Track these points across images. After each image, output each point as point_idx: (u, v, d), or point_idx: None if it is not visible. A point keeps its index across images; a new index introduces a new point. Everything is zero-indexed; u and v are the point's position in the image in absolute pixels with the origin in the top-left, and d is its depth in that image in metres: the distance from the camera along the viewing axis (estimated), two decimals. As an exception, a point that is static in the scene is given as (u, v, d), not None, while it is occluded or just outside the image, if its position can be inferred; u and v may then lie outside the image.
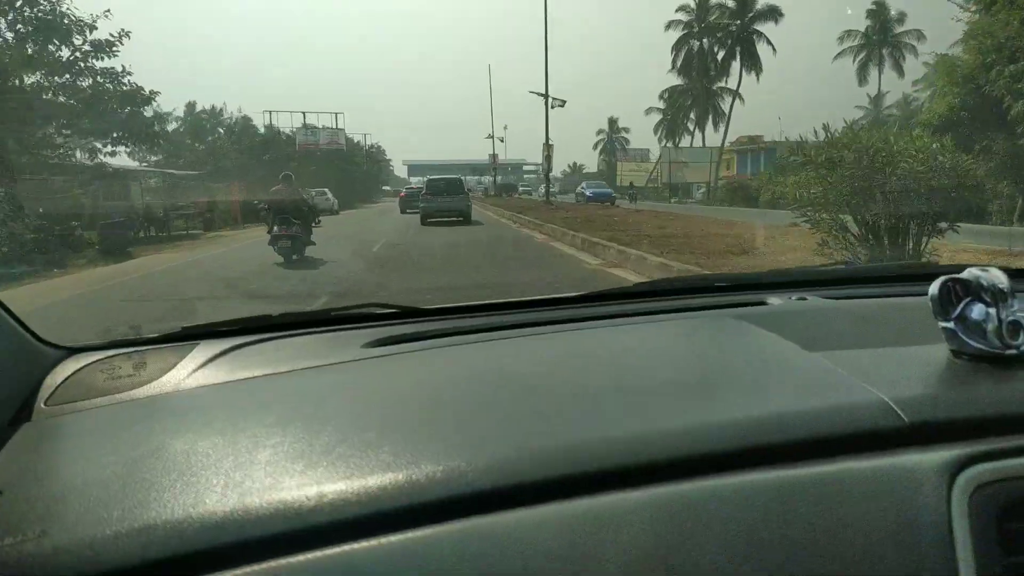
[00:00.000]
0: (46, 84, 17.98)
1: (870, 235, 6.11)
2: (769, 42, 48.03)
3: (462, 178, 25.36)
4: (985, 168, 12.63)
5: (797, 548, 0.60)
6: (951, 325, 0.82)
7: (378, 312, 1.44)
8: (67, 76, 18.09)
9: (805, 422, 0.72)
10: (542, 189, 41.46)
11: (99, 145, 19.79)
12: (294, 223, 11.42)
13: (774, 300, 1.38)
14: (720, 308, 1.38)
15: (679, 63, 52.54)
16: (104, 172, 20.49)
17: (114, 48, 17.99)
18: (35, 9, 16.77)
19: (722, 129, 51.49)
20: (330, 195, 31.93)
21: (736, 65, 49.13)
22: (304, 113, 49.38)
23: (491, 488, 0.64)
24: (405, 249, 14.06)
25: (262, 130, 45.14)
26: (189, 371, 1.12)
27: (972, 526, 0.62)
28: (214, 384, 1.07)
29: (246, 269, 11.16)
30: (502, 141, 72.09)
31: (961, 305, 0.82)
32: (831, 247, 6.42)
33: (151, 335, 1.32)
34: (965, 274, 0.82)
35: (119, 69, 18.62)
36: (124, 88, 18.91)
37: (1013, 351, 0.80)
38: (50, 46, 17.39)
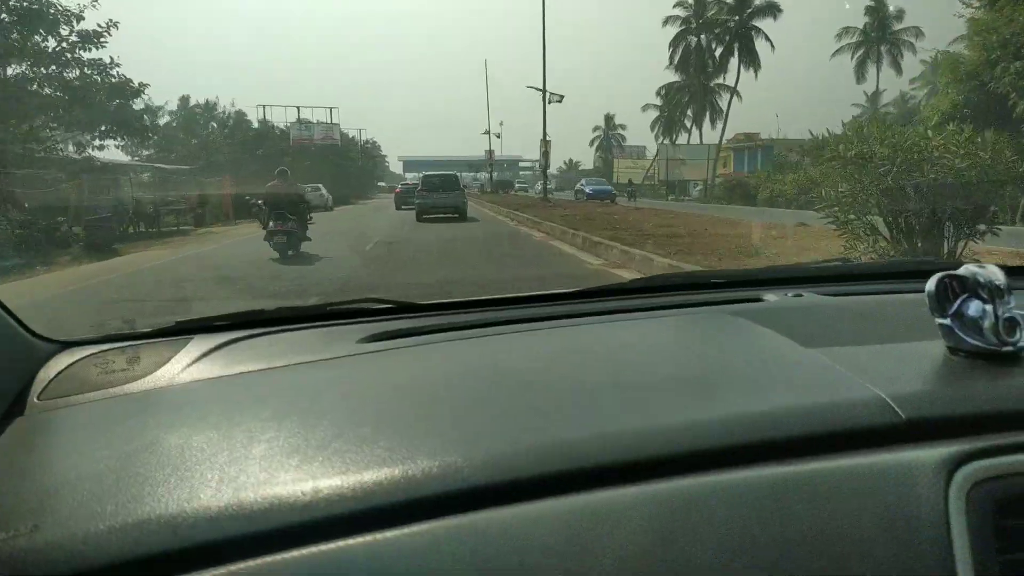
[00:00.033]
0: (31, 75, 17.56)
1: (902, 237, 5.67)
2: (768, 38, 47.74)
3: (458, 174, 25.23)
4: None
5: (794, 544, 0.60)
6: (948, 322, 0.82)
7: (373, 307, 1.42)
8: (53, 67, 17.70)
9: (802, 418, 0.72)
10: (539, 186, 41.11)
11: (87, 138, 19.39)
12: (290, 219, 11.51)
13: (770, 297, 1.39)
14: (716, 304, 1.37)
15: (677, 59, 52.09)
16: (92, 166, 20.01)
17: (102, 39, 17.63)
18: (20, -3, 16.35)
19: (719, 126, 51.25)
20: (324, 191, 31.27)
21: (734, 61, 48.80)
22: (299, 107, 48.56)
23: (487, 484, 0.64)
24: (400, 248, 13.74)
25: (256, 124, 44.63)
26: (183, 365, 1.11)
27: (969, 523, 0.62)
28: (209, 379, 1.06)
29: (238, 270, 10.88)
30: (498, 137, 71.84)
31: (958, 302, 0.82)
32: (860, 251, 5.95)
33: (145, 329, 1.31)
34: (962, 270, 0.82)
35: (107, 60, 18.27)
36: (112, 80, 18.53)
37: (1009, 348, 0.80)
38: (36, 36, 16.97)
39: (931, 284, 0.83)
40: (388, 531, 0.59)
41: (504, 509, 0.61)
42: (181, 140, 40.19)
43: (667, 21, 51.48)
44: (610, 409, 0.78)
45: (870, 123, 6.20)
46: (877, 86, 49.12)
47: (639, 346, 1.10)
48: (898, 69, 47.21)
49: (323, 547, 0.58)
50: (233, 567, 0.57)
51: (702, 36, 50.75)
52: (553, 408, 0.80)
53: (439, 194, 22.34)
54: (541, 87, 32.12)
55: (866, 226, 5.97)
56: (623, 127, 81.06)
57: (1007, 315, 0.80)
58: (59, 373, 1.10)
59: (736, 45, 48.40)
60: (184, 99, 44.75)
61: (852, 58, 47.99)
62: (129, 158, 30.37)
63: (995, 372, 0.79)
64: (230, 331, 1.26)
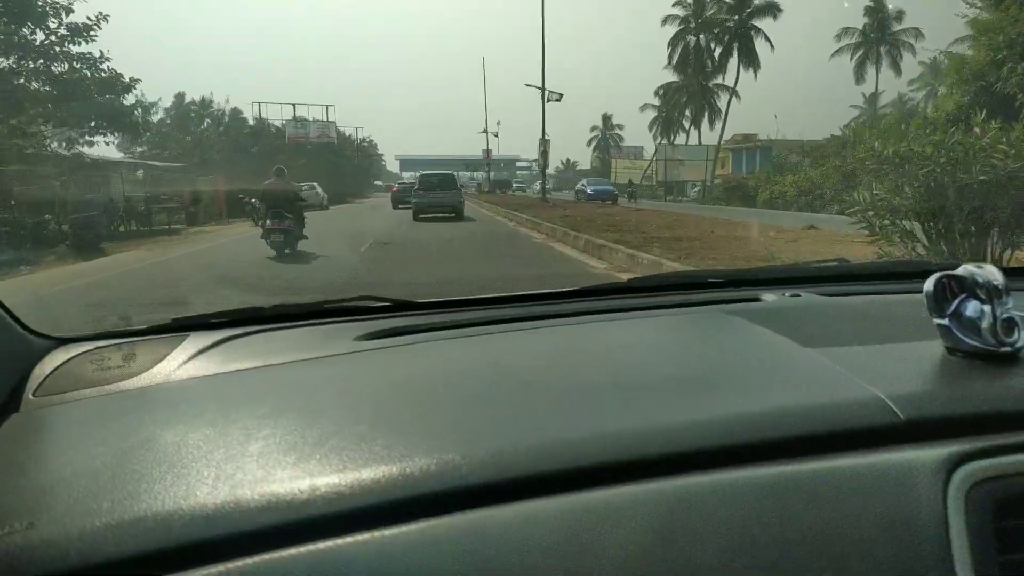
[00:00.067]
0: (18, 69, 17.12)
1: (943, 243, 5.28)
2: (767, 38, 47.45)
3: (455, 174, 25.14)
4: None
5: (792, 544, 0.60)
6: (946, 322, 0.82)
7: (371, 305, 1.41)
8: (41, 61, 17.30)
9: (801, 418, 0.72)
10: (536, 186, 40.72)
11: (76, 134, 18.93)
12: (287, 217, 11.57)
13: (768, 296, 1.39)
14: (715, 304, 1.36)
15: (675, 59, 51.74)
16: (82, 162, 19.60)
17: (91, 32, 17.22)
18: (6, -11, 15.95)
19: (718, 127, 50.94)
20: (319, 189, 30.79)
21: (733, 62, 48.48)
22: (294, 105, 48.07)
23: (485, 482, 0.64)
24: (396, 247, 13.40)
25: (251, 122, 44.17)
26: (180, 362, 1.11)
27: (968, 523, 0.62)
28: (205, 376, 1.06)
29: (234, 269, 10.64)
30: (496, 136, 71.30)
31: (956, 302, 0.81)
32: (896, 259, 5.41)
33: (141, 326, 1.30)
34: (960, 271, 0.82)
35: (97, 54, 17.84)
36: (102, 75, 18.07)
37: (1007, 348, 0.79)
38: (23, 29, 16.57)
39: (929, 284, 0.83)
40: (386, 529, 0.59)
41: (503, 508, 0.61)
42: (175, 137, 39.76)
43: (666, 20, 51.19)
44: (609, 408, 0.78)
45: (911, 120, 5.79)
46: (876, 87, 49.03)
47: (638, 345, 1.10)
48: (897, 70, 47.16)
49: (320, 545, 0.58)
50: (230, 565, 0.56)
51: (701, 36, 50.42)
52: (552, 407, 0.80)
53: (436, 193, 22.26)
54: (540, 85, 31.76)
55: (903, 231, 5.54)
56: (621, 127, 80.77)
57: (1005, 316, 0.80)
58: (55, 369, 1.10)
59: (735, 45, 48.09)
60: (179, 96, 44.26)
61: (851, 59, 47.92)
62: (121, 155, 29.93)
63: (993, 373, 0.79)
64: (227, 328, 1.25)
